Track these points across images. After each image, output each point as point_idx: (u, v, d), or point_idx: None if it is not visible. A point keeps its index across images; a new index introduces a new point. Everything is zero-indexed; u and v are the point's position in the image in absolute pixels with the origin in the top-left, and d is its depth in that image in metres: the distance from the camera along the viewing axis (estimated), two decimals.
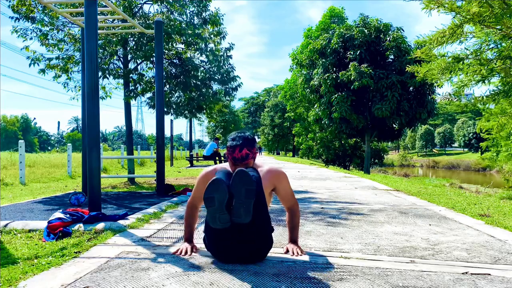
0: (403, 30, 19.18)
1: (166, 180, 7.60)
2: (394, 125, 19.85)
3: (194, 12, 9.01)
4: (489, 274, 2.35)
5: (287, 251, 2.74)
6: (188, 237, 2.82)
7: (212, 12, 9.10)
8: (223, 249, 2.52)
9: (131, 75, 8.89)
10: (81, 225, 3.65)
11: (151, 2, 8.66)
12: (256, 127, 61.97)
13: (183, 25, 8.44)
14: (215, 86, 10.38)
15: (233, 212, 2.32)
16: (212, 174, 2.72)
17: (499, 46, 5.40)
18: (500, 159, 10.09)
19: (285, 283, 2.17)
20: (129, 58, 8.89)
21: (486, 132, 7.82)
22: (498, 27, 4.94)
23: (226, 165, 2.79)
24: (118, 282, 2.18)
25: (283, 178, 2.75)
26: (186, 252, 2.70)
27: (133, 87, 8.99)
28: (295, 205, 2.81)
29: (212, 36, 9.23)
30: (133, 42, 8.66)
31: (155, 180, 7.49)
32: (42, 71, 8.18)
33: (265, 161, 22.31)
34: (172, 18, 8.55)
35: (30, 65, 7.98)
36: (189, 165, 18.97)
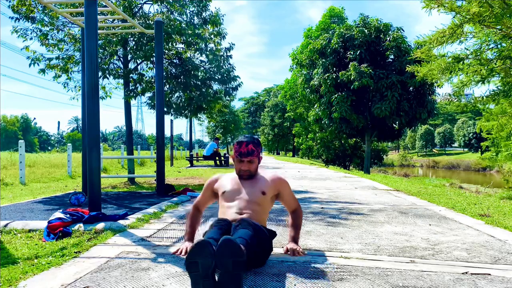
0: (403, 30, 19.17)
1: (166, 180, 7.60)
2: (394, 125, 19.85)
3: (194, 12, 9.01)
4: (489, 274, 2.35)
5: (287, 251, 2.74)
6: (189, 237, 2.82)
7: (212, 12, 9.11)
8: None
9: (131, 75, 8.89)
10: (81, 225, 3.65)
11: (151, 2, 8.66)
12: (256, 127, 61.96)
13: (183, 25, 8.44)
14: (215, 86, 10.39)
15: (220, 286, 1.98)
16: (216, 181, 2.92)
17: (499, 46, 5.40)
18: (500, 159, 10.09)
19: (285, 283, 2.17)
20: (129, 58, 8.89)
21: (486, 132, 7.83)
22: (498, 27, 4.94)
23: (233, 175, 2.88)
24: (118, 282, 2.18)
25: (286, 185, 2.92)
26: (186, 252, 2.70)
27: (133, 87, 8.99)
28: (299, 208, 2.94)
29: (212, 36, 9.24)
30: (133, 42, 8.66)
31: (155, 180, 7.49)
32: (42, 71, 8.18)
33: (265, 163, 22.29)
34: (172, 18, 8.55)
35: (30, 65, 7.98)
36: (189, 165, 18.97)
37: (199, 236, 3.19)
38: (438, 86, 16.61)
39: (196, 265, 1.96)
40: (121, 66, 9.05)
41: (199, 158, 19.03)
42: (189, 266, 1.97)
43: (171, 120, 20.47)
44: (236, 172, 2.85)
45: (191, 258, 1.96)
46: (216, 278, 2.01)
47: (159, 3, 8.57)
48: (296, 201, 2.95)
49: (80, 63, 7.52)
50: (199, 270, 1.96)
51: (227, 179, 2.89)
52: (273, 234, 2.72)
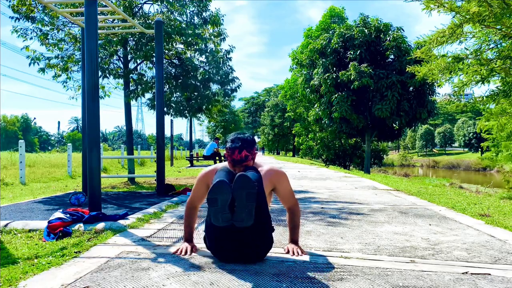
0: (403, 30, 19.18)
1: (166, 180, 7.60)
2: (394, 125, 19.85)
3: (194, 12, 9.01)
4: (489, 274, 2.35)
5: (287, 251, 2.74)
6: (188, 237, 2.82)
7: (212, 12, 9.10)
8: (223, 249, 2.52)
9: (131, 75, 8.89)
10: (81, 225, 3.65)
11: (151, 2, 8.66)
12: (256, 127, 61.97)
13: (183, 25, 8.44)
14: (214, 87, 10.39)
15: (235, 216, 2.34)
16: (212, 174, 2.73)
17: (499, 46, 5.40)
18: (500, 159, 10.09)
19: (285, 283, 2.17)
20: (129, 58, 8.89)
21: (486, 132, 7.83)
22: (498, 27, 4.94)
23: (226, 164, 2.79)
24: (118, 282, 2.18)
25: (283, 178, 2.74)
26: (186, 252, 2.70)
27: (133, 88, 8.99)
28: (296, 205, 2.80)
29: (212, 37, 9.24)
30: (133, 42, 8.66)
31: (155, 180, 7.49)
32: (42, 70, 8.19)
33: (265, 161, 22.34)
34: (172, 18, 8.55)
35: (30, 64, 7.98)
36: (189, 165, 18.97)
37: (198, 235, 3.19)
38: (438, 86, 16.65)
39: (216, 200, 2.33)
40: (121, 66, 9.05)
41: (199, 158, 19.04)
42: (210, 201, 2.34)
43: (171, 120, 20.49)
44: (230, 168, 2.71)
45: (213, 195, 2.33)
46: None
47: (159, 3, 8.57)
48: (293, 198, 2.79)
49: (80, 62, 7.52)
50: (218, 205, 2.33)
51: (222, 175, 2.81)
52: (272, 228, 2.69)
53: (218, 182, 2.36)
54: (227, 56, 9.78)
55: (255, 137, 59.57)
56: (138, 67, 9.21)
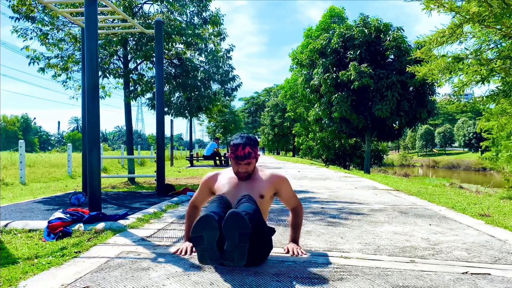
0: (403, 30, 19.17)
1: (166, 180, 7.60)
2: (394, 125, 19.85)
3: (194, 12, 9.01)
4: (489, 274, 2.35)
5: (287, 251, 2.74)
6: (188, 237, 2.82)
7: (212, 12, 9.10)
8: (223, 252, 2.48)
9: (131, 75, 8.89)
10: (81, 225, 3.65)
11: (151, 2, 8.66)
12: (256, 127, 61.95)
13: (183, 25, 8.44)
14: (215, 87, 10.39)
15: (225, 255, 2.16)
16: (214, 179, 2.83)
17: (499, 46, 5.40)
18: (501, 160, 10.09)
19: (285, 283, 2.17)
20: (129, 58, 8.89)
21: (486, 132, 7.83)
22: (498, 27, 4.94)
23: (230, 170, 2.82)
24: (118, 282, 2.18)
25: (285, 183, 2.81)
26: (186, 252, 2.70)
27: (133, 88, 8.99)
28: (299, 206, 2.87)
29: (212, 36, 9.23)
30: (133, 42, 8.66)
31: (155, 180, 7.49)
32: (42, 69, 8.18)
33: (265, 163, 22.30)
34: (172, 18, 8.55)
35: (29, 63, 7.99)
36: (189, 165, 18.97)
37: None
38: (438, 86, 16.65)
39: (202, 238, 2.11)
40: (121, 66, 9.05)
41: (199, 158, 19.04)
42: (194, 240, 2.11)
43: (171, 120, 20.48)
44: (233, 172, 2.79)
45: (196, 232, 2.11)
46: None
47: (159, 3, 8.57)
48: (296, 199, 2.86)
49: (80, 62, 7.52)
50: (204, 243, 2.11)
51: (225, 179, 2.82)
52: (272, 231, 2.70)
53: (203, 217, 2.15)
54: (227, 55, 9.78)
55: (257, 139, 59.44)
56: (138, 67, 9.21)
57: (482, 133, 7.95)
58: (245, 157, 2.66)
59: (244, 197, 2.49)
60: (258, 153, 2.80)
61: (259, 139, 57.88)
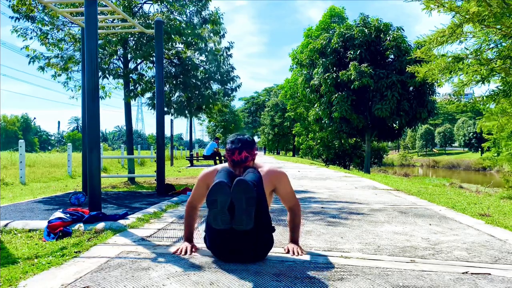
0: (403, 30, 19.19)
1: (166, 179, 7.60)
2: (394, 125, 19.85)
3: (194, 11, 9.00)
4: (490, 274, 2.35)
5: (287, 251, 2.74)
6: (188, 237, 2.82)
7: (211, 11, 9.10)
8: (223, 249, 2.52)
9: (131, 75, 8.89)
10: (81, 224, 3.65)
11: (151, 2, 8.65)
12: (256, 126, 61.94)
13: (183, 25, 8.44)
14: (215, 86, 10.38)
15: (235, 219, 2.33)
16: (212, 175, 2.73)
17: (499, 45, 5.40)
18: (500, 158, 10.08)
19: (285, 282, 2.17)
20: (129, 58, 8.89)
21: (487, 132, 7.82)
22: (498, 26, 4.94)
23: (227, 165, 2.79)
24: (118, 282, 2.18)
25: (283, 179, 2.75)
26: (186, 252, 2.70)
27: (133, 87, 8.99)
28: (296, 205, 2.81)
29: (211, 35, 9.22)
30: (133, 42, 8.66)
31: (155, 179, 7.49)
32: (41, 68, 8.18)
33: (265, 161, 22.31)
34: (172, 18, 8.55)
35: (29, 62, 7.99)
36: (189, 165, 18.97)
37: (198, 235, 3.19)
38: (438, 86, 16.64)
39: (215, 202, 2.31)
40: (121, 66, 9.05)
41: (199, 158, 19.03)
42: (209, 203, 2.32)
43: (171, 120, 20.49)
44: (230, 168, 2.72)
45: (211, 197, 2.31)
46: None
47: (159, 3, 8.57)
48: (294, 198, 2.80)
49: (80, 63, 7.52)
50: (218, 207, 2.31)
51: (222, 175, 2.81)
52: (272, 228, 2.70)
53: (217, 183, 2.34)
54: (227, 53, 9.77)
55: (255, 137, 59.58)
56: (138, 67, 9.20)
57: (483, 134, 7.95)
58: (241, 162, 2.64)
59: (249, 171, 2.62)
60: (256, 152, 2.77)
61: (258, 139, 57.88)
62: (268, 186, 2.68)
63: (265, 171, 2.71)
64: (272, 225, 2.64)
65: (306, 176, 10.81)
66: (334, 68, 19.64)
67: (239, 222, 2.32)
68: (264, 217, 2.53)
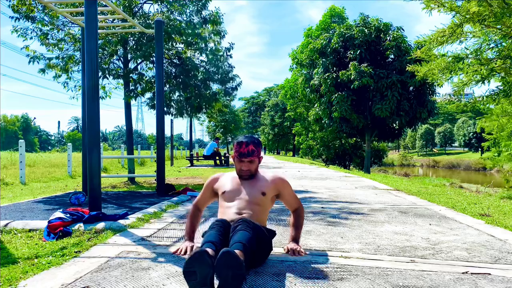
0: (403, 30, 19.18)
1: (166, 179, 7.60)
2: (394, 125, 19.85)
3: (194, 11, 9.00)
4: (490, 274, 2.35)
5: (287, 251, 2.74)
6: (189, 237, 2.83)
7: (212, 11, 9.10)
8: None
9: (131, 75, 8.89)
10: (81, 224, 3.65)
11: (151, 2, 8.65)
12: (256, 126, 61.91)
13: (183, 25, 8.44)
14: (215, 86, 10.39)
15: None
16: (216, 180, 2.91)
17: (499, 45, 5.39)
18: (501, 158, 10.08)
19: (285, 282, 2.17)
20: (129, 58, 8.89)
21: (487, 133, 7.82)
22: (498, 26, 4.93)
23: (233, 174, 2.86)
24: (118, 282, 2.18)
25: (286, 185, 2.90)
26: (186, 252, 2.70)
27: (133, 87, 8.99)
28: (300, 207, 2.92)
29: (212, 35, 9.22)
30: (133, 42, 8.66)
31: (155, 179, 7.49)
32: (42, 70, 8.18)
33: (265, 163, 22.28)
34: (172, 17, 8.55)
35: (29, 62, 7.98)
36: (189, 165, 18.97)
37: (199, 235, 3.19)
38: (438, 85, 16.64)
39: (194, 274, 1.97)
40: (121, 66, 9.05)
41: (199, 158, 19.03)
42: (187, 275, 1.98)
43: (171, 120, 20.48)
44: (236, 172, 2.83)
45: (189, 268, 1.97)
46: (215, 285, 2.03)
47: (159, 3, 8.56)
48: (297, 201, 2.93)
49: (80, 63, 7.52)
50: (197, 279, 1.97)
51: (227, 178, 2.88)
52: (272, 233, 2.72)
53: (197, 252, 2.02)
54: (227, 53, 9.78)
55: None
56: (138, 67, 9.20)
57: (483, 134, 7.95)
58: (248, 154, 2.72)
59: (240, 223, 2.39)
60: (261, 155, 2.84)
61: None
62: (272, 190, 2.82)
63: (270, 176, 2.87)
64: (273, 226, 2.64)
65: (306, 176, 10.81)
66: (334, 68, 19.64)
67: None
68: (264, 241, 2.48)
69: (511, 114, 5.86)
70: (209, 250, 2.12)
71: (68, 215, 3.71)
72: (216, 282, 2.04)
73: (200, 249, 2.08)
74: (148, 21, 8.14)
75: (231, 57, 9.92)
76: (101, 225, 3.66)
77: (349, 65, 18.32)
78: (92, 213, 3.87)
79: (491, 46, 5.44)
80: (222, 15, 9.15)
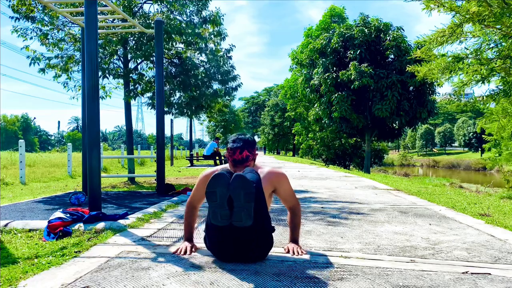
0: (403, 30, 19.19)
1: (166, 179, 7.60)
2: (394, 125, 19.86)
3: (194, 11, 9.00)
4: (490, 274, 2.35)
5: (287, 251, 2.74)
6: (188, 237, 2.83)
7: (212, 11, 9.09)
8: (223, 249, 2.52)
9: (131, 74, 8.89)
10: (81, 224, 3.65)
11: (151, 2, 8.65)
12: (256, 126, 61.95)
13: (183, 25, 8.43)
14: (215, 86, 10.38)
15: (234, 216, 2.33)
16: (209, 177, 2.72)
17: (499, 45, 5.39)
18: (501, 158, 10.08)
19: (285, 282, 2.17)
20: (129, 58, 8.89)
21: (488, 134, 7.81)
22: (498, 26, 4.94)
23: (227, 166, 2.80)
24: (118, 282, 2.18)
25: (283, 179, 2.76)
26: (186, 252, 2.70)
27: (133, 87, 8.99)
28: (297, 205, 2.82)
29: (212, 36, 9.22)
30: (133, 42, 8.66)
31: (155, 179, 7.49)
32: (42, 70, 8.18)
33: (265, 162, 22.30)
34: (172, 17, 8.55)
35: (30, 64, 7.98)
36: (189, 165, 18.97)
37: (198, 235, 3.19)
38: (438, 85, 16.64)
39: (215, 194, 2.32)
40: (121, 65, 9.05)
41: (199, 158, 19.04)
42: (208, 195, 2.34)
43: (171, 120, 20.49)
44: (230, 169, 2.75)
45: (211, 188, 2.33)
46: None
47: (159, 3, 8.56)
48: (294, 198, 2.81)
49: (80, 63, 7.52)
50: (217, 200, 2.31)
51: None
52: (272, 228, 2.70)
53: (216, 174, 2.38)
54: (227, 55, 9.78)
55: (255, 137, 59.57)
56: (138, 67, 9.21)
57: (484, 135, 7.94)
58: (243, 161, 2.64)
59: (247, 169, 2.61)
60: (256, 152, 2.78)
61: (258, 139, 57.89)
62: (268, 187, 2.69)
63: (265, 172, 2.72)
64: (272, 225, 2.64)
65: (306, 176, 10.81)
66: (334, 68, 19.64)
67: (238, 218, 2.31)
68: (264, 217, 2.52)
69: (511, 114, 5.86)
70: (227, 173, 2.43)
71: (68, 215, 3.71)
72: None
73: (219, 172, 2.42)
74: (148, 21, 8.14)
75: (230, 58, 9.93)
76: (101, 225, 3.66)
77: (349, 65, 18.33)
78: (92, 213, 3.87)
79: (491, 46, 5.44)
80: (223, 15, 9.15)
